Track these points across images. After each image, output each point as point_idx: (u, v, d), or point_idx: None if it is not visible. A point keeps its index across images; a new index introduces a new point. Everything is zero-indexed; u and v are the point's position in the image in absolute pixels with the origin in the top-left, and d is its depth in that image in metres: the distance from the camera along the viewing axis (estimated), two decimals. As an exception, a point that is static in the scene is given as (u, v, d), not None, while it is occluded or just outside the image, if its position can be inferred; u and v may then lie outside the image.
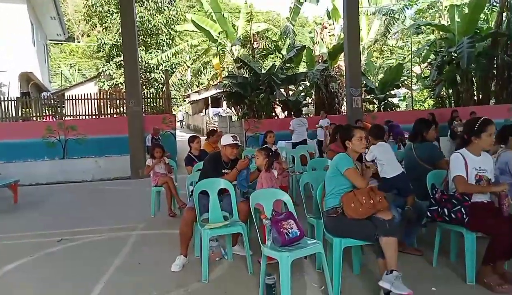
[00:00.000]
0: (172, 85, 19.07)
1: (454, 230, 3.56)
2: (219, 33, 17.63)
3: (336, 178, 3.41)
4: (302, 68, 19.43)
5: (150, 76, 22.10)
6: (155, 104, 14.11)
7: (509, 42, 15.29)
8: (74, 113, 13.59)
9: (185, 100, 37.12)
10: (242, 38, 16.41)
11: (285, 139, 11.69)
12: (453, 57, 15.18)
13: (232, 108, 18.13)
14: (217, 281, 3.77)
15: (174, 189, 6.48)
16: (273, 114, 15.52)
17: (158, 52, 22.16)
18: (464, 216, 3.27)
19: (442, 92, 16.33)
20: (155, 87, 22.09)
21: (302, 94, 16.18)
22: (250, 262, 3.92)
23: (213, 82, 20.02)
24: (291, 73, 15.09)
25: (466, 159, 3.38)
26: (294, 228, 3.23)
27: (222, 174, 4.54)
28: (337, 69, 17.63)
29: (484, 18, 17.52)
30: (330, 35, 18.09)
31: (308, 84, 16.92)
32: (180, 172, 7.73)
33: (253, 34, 16.97)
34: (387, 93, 15.99)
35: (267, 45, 17.24)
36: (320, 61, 17.41)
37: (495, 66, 15.42)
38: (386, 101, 15.93)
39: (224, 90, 15.90)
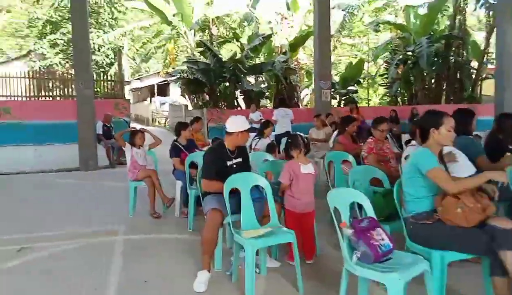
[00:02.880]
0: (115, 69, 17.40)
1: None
2: (173, 15, 16.31)
3: (418, 179, 2.74)
4: (259, 59, 18.78)
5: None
6: (106, 88, 12.62)
7: (461, 45, 15.95)
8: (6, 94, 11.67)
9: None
10: (201, 22, 15.29)
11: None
12: (412, 56, 15.47)
13: (187, 96, 16.99)
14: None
15: (159, 184, 5.47)
16: (236, 104, 14.68)
17: (99, 32, 20.20)
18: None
19: (397, 91, 16.62)
20: (96, 71, 20.12)
21: (263, 85, 15.50)
22: (300, 278, 3.14)
23: (166, 68, 18.64)
24: (256, 63, 14.33)
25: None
26: (386, 239, 2.53)
27: (228, 167, 3.66)
28: (296, 62, 17.27)
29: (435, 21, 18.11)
30: (289, 27, 17.62)
31: (267, 76, 16.30)
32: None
33: (212, 19, 15.94)
34: (348, 88, 15.90)
35: (225, 32, 16.30)
36: (279, 52, 16.91)
37: (447, 67, 15.98)
38: (347, 96, 15.83)
39: (181, 77, 14.72)
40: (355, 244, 2.51)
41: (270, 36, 14.17)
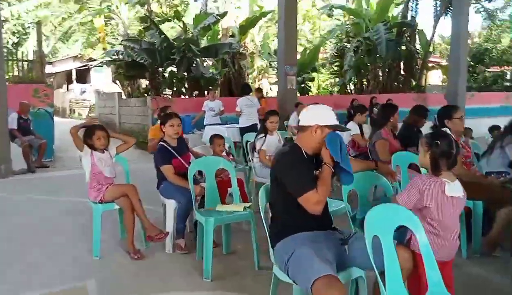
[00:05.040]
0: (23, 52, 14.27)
1: None
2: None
3: None
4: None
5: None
6: (21, 70, 9.92)
7: (412, 33, 15.69)
8: None
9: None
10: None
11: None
12: (366, 43, 14.79)
13: (118, 83, 14.54)
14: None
15: (140, 206, 3.65)
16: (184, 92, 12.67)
17: (2, 3, 16.59)
18: None
19: (351, 79, 15.91)
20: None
21: (214, 71, 13.64)
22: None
23: (94, 48, 15.80)
24: (210, 44, 12.46)
25: None
26: None
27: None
28: (244, 46, 15.71)
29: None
30: (236, 8, 15.96)
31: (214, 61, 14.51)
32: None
33: (151, -7, 13.67)
34: (304, 76, 14.77)
35: (166, 11, 14.11)
36: (227, 34, 15.20)
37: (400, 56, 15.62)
38: (303, 84, 14.68)
39: (117, 59, 12.31)
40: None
41: (225, 14, 12.37)
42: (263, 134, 4.86)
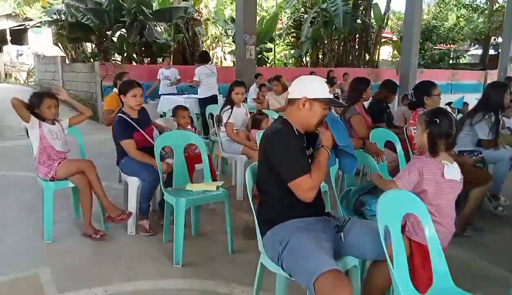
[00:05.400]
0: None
1: None
2: None
3: None
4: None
5: None
6: None
7: (368, 6, 15.70)
8: None
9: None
10: None
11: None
12: (324, 14, 14.62)
13: (61, 46, 13.32)
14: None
15: (98, 183, 3.29)
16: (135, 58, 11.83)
17: None
18: None
19: (308, 51, 15.75)
20: None
21: (166, 37, 12.81)
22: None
23: (32, 6, 14.25)
24: (164, 7, 11.63)
25: None
26: None
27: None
28: (199, 12, 14.97)
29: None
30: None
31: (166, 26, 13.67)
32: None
33: None
34: (261, 46, 14.39)
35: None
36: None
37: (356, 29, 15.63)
38: (260, 55, 14.32)
39: (59, 19, 11.19)
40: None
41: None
42: (229, 106, 4.57)
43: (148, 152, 3.42)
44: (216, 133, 5.39)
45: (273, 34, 14.99)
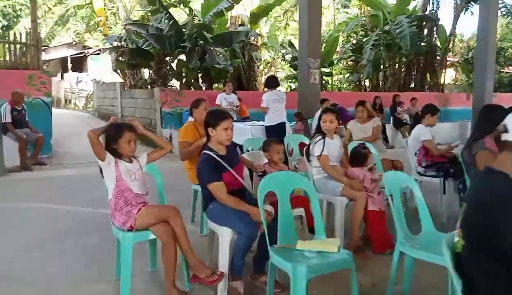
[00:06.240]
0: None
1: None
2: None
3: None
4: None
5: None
6: (12, 54, 8.80)
7: (433, 27, 14.78)
8: None
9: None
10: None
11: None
12: (385, 37, 13.84)
13: (120, 72, 13.39)
14: None
15: (185, 237, 2.67)
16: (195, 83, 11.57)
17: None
18: None
19: (366, 76, 14.94)
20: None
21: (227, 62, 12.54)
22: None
23: (93, 34, 14.62)
24: (225, 31, 11.38)
25: None
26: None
27: None
28: (255, 37, 14.66)
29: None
30: (245, -6, 14.86)
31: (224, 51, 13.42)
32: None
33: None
34: (322, 70, 13.75)
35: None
36: (235, 23, 14.14)
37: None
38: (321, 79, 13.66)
39: (120, 45, 11.18)
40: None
41: (241, -1, 11.28)
42: (320, 137, 3.87)
43: (239, 195, 2.79)
44: (296, 167, 4.73)
45: (332, 57, 14.36)
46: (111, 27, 15.55)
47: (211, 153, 2.88)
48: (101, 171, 2.79)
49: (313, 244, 2.44)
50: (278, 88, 7.86)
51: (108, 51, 11.20)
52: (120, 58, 11.76)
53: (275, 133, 6.56)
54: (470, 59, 19.37)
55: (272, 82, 7.26)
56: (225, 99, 8.33)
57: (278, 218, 2.62)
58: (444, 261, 2.21)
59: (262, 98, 7.11)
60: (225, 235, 2.70)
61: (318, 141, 3.85)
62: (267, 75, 8.78)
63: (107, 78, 16.20)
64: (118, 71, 13.49)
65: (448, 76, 23.51)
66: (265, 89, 7.63)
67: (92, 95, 16.23)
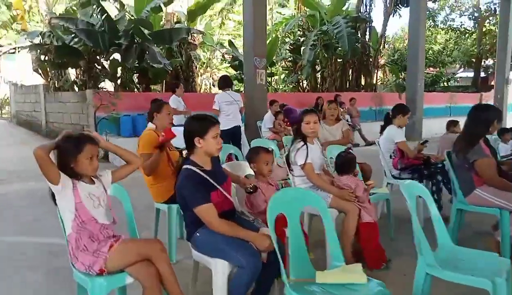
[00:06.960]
0: None
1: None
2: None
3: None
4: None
5: None
6: None
7: (367, 28, 15.25)
8: None
9: None
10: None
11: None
12: (323, 38, 13.97)
13: (41, 72, 11.96)
14: None
15: (173, 278, 2.11)
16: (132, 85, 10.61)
17: None
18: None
19: (305, 77, 14.98)
20: None
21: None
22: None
23: (8, 30, 12.84)
24: (164, 28, 10.55)
25: None
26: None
27: None
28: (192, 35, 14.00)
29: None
30: (180, -9, 14.14)
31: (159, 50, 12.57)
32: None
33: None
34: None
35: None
36: (171, 21, 13.36)
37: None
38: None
39: (43, 42, 9.89)
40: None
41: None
42: (302, 143, 3.48)
43: (229, 218, 2.32)
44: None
45: (273, 58, 14.18)
46: (28, 22, 13.93)
47: (195, 169, 2.36)
48: (52, 196, 2.14)
49: (335, 275, 2.04)
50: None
51: (28, 49, 9.89)
52: (42, 57, 10.46)
53: (228, 138, 6.09)
54: (396, 60, 20.42)
55: (225, 82, 6.73)
56: (179, 102, 7.64)
57: (289, 243, 2.17)
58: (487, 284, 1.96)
59: (214, 99, 6.59)
60: (221, 269, 2.20)
61: (301, 148, 3.45)
62: (223, 75, 8.18)
63: (25, 80, 14.49)
64: (40, 71, 12.06)
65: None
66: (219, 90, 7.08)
67: (8, 100, 14.43)
